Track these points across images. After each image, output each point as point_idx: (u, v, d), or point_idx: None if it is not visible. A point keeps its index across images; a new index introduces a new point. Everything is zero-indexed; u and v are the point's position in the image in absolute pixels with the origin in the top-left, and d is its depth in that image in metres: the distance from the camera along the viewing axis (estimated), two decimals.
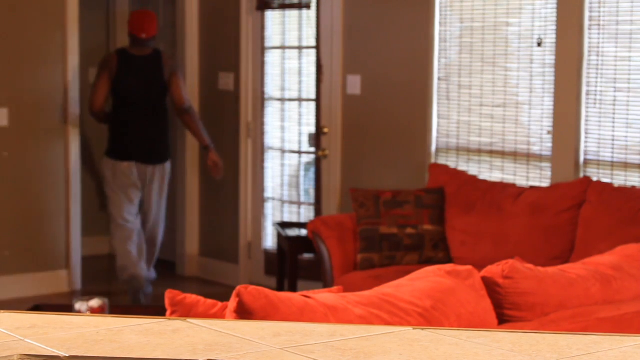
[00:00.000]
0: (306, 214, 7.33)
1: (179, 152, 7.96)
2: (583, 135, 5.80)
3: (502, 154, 6.19)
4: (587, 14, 5.72)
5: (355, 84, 6.89)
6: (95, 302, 5.56)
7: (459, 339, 1.83)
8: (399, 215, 5.87)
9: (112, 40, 8.53)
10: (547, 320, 3.50)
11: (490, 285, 3.43)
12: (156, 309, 5.86)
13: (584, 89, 5.77)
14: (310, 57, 7.23)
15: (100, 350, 1.73)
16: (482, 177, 6.18)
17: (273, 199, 7.54)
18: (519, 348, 1.78)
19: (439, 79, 6.47)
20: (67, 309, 5.59)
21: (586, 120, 5.78)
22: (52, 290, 7.32)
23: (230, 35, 7.59)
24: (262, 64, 7.50)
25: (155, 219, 7.45)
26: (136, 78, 7.11)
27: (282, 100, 7.47)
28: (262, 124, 7.53)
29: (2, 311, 1.96)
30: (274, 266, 7.00)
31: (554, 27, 5.86)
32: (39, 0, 7.18)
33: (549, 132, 5.94)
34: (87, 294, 6.61)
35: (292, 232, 6.59)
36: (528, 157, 6.06)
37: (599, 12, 5.68)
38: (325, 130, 7.06)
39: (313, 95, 7.20)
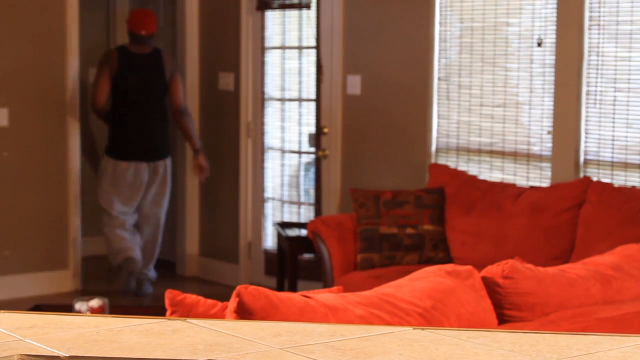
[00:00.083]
0: (306, 214, 7.34)
1: (178, 152, 7.96)
2: (583, 135, 5.80)
3: (502, 154, 6.19)
4: (587, 14, 5.72)
5: (355, 84, 6.89)
6: (95, 302, 5.57)
7: (459, 339, 1.83)
8: (399, 215, 5.87)
9: (112, 40, 8.53)
10: (547, 320, 3.50)
11: (490, 285, 3.43)
12: (156, 309, 5.86)
13: (584, 89, 5.77)
14: (310, 57, 7.23)
15: (100, 350, 1.73)
16: (482, 177, 6.18)
17: (273, 199, 7.54)
18: (519, 348, 1.78)
19: (439, 79, 6.47)
20: (67, 309, 5.59)
21: (586, 120, 5.78)
22: (52, 290, 7.32)
23: (230, 35, 7.59)
24: (262, 64, 7.50)
25: (156, 216, 7.47)
26: (137, 76, 7.19)
27: (282, 100, 7.47)
28: (262, 124, 7.53)
29: (2, 311, 1.96)
30: (274, 266, 7.00)
31: (554, 27, 5.86)
32: (39, 1, 7.18)
33: (549, 132, 5.94)
34: (87, 294, 6.61)
35: (292, 232, 6.59)
36: (528, 157, 6.06)
37: (599, 12, 5.68)
38: (325, 130, 7.06)
39: (313, 95, 7.20)
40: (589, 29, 5.73)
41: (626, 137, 5.62)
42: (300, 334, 1.84)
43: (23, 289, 7.19)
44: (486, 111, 6.26)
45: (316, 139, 7.16)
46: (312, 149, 7.25)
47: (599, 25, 5.69)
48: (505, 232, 5.69)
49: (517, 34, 6.07)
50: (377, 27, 6.76)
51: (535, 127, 6.02)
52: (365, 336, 1.84)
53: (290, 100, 7.43)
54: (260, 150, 7.55)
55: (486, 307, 3.35)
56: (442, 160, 6.47)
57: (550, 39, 5.89)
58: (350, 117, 6.96)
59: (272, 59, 7.50)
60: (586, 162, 5.80)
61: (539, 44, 5.95)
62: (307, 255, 6.82)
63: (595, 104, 5.74)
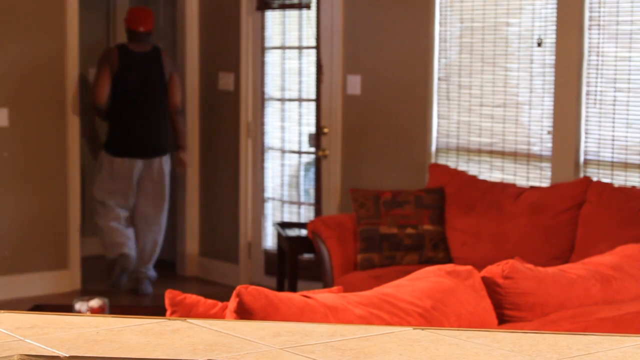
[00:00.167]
0: (306, 214, 7.34)
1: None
2: (583, 135, 5.80)
3: (502, 154, 6.19)
4: (587, 14, 5.72)
5: (355, 84, 6.89)
6: (95, 302, 5.57)
7: (459, 339, 1.83)
8: (399, 215, 5.86)
9: (112, 39, 8.53)
10: (547, 320, 3.50)
11: (490, 285, 3.43)
12: (156, 309, 5.86)
13: (584, 89, 5.77)
14: (310, 57, 7.23)
15: (100, 350, 1.73)
16: (482, 177, 6.18)
17: (273, 199, 7.54)
18: (519, 348, 1.78)
19: (439, 79, 6.47)
20: (67, 309, 5.59)
21: (586, 120, 5.78)
22: (52, 290, 7.32)
23: (230, 35, 7.59)
24: (262, 64, 7.50)
25: (154, 217, 7.48)
26: (137, 75, 7.25)
27: (282, 100, 7.47)
28: (262, 124, 7.53)
29: (2, 311, 1.96)
30: (274, 266, 7.00)
31: (554, 27, 5.86)
32: (39, 1, 7.18)
33: (549, 132, 5.94)
34: (87, 294, 6.61)
35: (292, 232, 6.59)
36: (528, 157, 6.06)
37: (599, 12, 5.68)
38: (325, 130, 7.06)
39: (313, 95, 7.20)
40: (589, 29, 5.73)
41: (626, 137, 5.62)
42: (300, 334, 1.84)
43: (23, 289, 7.19)
44: (486, 111, 6.26)
45: (316, 139, 7.16)
46: (312, 149, 7.25)
47: (599, 25, 5.69)
48: (505, 232, 5.69)
49: (517, 34, 6.07)
50: (377, 27, 6.76)
51: (535, 127, 6.02)
52: (365, 336, 1.84)
53: (290, 100, 7.43)
54: (260, 150, 7.55)
55: (486, 307, 3.35)
56: (442, 160, 6.47)
57: (550, 39, 5.89)
58: (350, 117, 6.96)
59: (272, 59, 7.50)
60: (586, 162, 5.80)
61: (539, 44, 5.95)
62: (307, 255, 6.82)
63: (595, 104, 5.74)
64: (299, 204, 7.42)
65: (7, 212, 7.16)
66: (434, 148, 6.52)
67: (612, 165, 5.68)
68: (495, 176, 6.20)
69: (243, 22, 7.48)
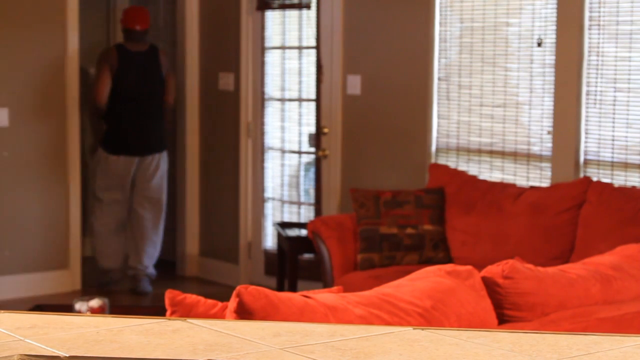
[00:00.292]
0: (306, 214, 7.33)
1: (179, 152, 7.97)
2: (583, 135, 5.80)
3: (502, 154, 6.19)
4: (587, 14, 5.72)
5: (355, 84, 6.89)
6: (95, 302, 5.57)
7: (459, 339, 1.83)
8: (399, 215, 5.86)
9: (112, 39, 8.52)
10: (547, 320, 3.50)
11: (490, 285, 3.43)
12: (156, 309, 5.86)
13: (584, 89, 5.77)
14: (310, 57, 7.23)
15: (100, 350, 1.73)
16: (482, 177, 6.18)
17: (273, 199, 7.54)
18: (519, 348, 1.78)
19: (439, 79, 6.47)
20: (67, 309, 5.59)
21: (586, 120, 5.78)
22: (52, 290, 7.32)
23: (230, 35, 7.59)
24: (262, 64, 7.50)
25: (153, 211, 7.52)
26: (136, 74, 7.33)
27: (282, 100, 7.47)
28: (262, 124, 7.54)
29: (2, 311, 1.96)
30: (274, 266, 7.00)
31: (554, 27, 5.86)
32: (39, 1, 7.18)
33: (549, 132, 5.94)
34: (87, 294, 6.62)
35: (292, 232, 6.59)
36: (528, 157, 6.06)
37: (599, 12, 5.68)
38: (325, 130, 7.06)
39: (313, 95, 7.20)
40: (589, 29, 5.73)
41: (626, 137, 5.62)
42: (300, 334, 1.84)
43: (23, 289, 7.19)
44: (486, 111, 6.26)
45: (316, 139, 7.16)
46: (312, 149, 7.25)
47: (599, 25, 5.69)
48: (505, 232, 5.69)
49: (517, 34, 6.07)
50: (377, 27, 6.76)
51: (535, 127, 6.02)
52: (365, 336, 1.84)
53: (290, 100, 7.43)
54: (260, 150, 7.55)
55: (486, 307, 3.35)
56: (442, 160, 6.47)
57: (550, 39, 5.89)
58: (350, 117, 6.95)
59: (272, 59, 7.50)
60: (586, 162, 5.80)
61: (539, 44, 5.95)
62: (307, 255, 6.82)
63: (595, 104, 5.74)
64: (299, 204, 7.42)
65: (7, 212, 7.16)
66: (434, 148, 6.52)
67: (612, 165, 5.68)
68: (495, 176, 6.20)
69: (243, 22, 7.48)
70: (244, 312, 2.80)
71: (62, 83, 7.29)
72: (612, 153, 5.68)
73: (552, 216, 5.55)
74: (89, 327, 1.87)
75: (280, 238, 6.61)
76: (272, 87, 7.51)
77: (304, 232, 6.53)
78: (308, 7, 7.18)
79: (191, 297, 3.06)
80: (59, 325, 1.87)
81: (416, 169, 6.56)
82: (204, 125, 7.86)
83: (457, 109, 6.39)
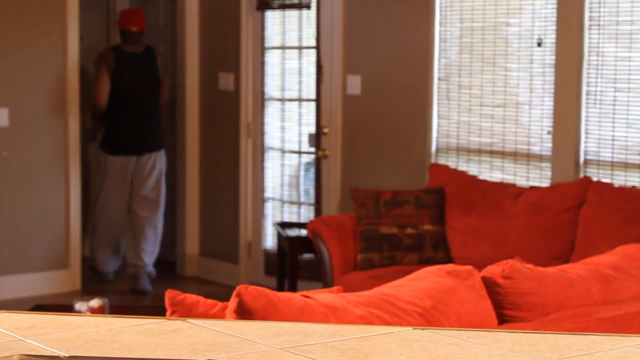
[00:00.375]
0: (306, 214, 7.33)
1: (179, 152, 7.97)
2: (583, 135, 5.79)
3: (502, 154, 6.19)
4: (587, 14, 5.72)
5: (355, 84, 6.89)
6: (95, 302, 5.57)
7: (459, 339, 1.83)
8: (399, 215, 5.86)
9: (112, 40, 8.53)
10: (547, 320, 3.50)
11: (490, 285, 3.43)
12: (156, 309, 5.87)
13: (584, 89, 5.77)
14: (310, 57, 7.23)
15: (100, 350, 1.73)
16: (482, 177, 6.18)
17: (273, 199, 7.54)
18: (519, 348, 1.78)
19: (439, 79, 6.47)
20: (67, 309, 5.59)
21: (586, 120, 5.78)
22: (52, 290, 7.32)
23: (230, 35, 7.59)
24: (262, 64, 7.50)
25: (152, 210, 7.55)
26: (133, 76, 7.42)
27: (282, 100, 7.47)
28: (262, 124, 7.54)
29: (2, 311, 1.96)
30: (274, 266, 7.00)
31: (554, 27, 5.86)
32: (39, 1, 7.18)
33: (549, 132, 5.94)
34: (87, 294, 6.62)
35: (292, 232, 6.59)
36: (528, 157, 6.06)
37: (599, 12, 5.68)
38: (325, 130, 7.06)
39: (313, 95, 7.20)
40: (589, 29, 5.73)
41: (626, 137, 5.62)
42: (300, 334, 1.84)
43: (23, 289, 7.19)
44: (486, 111, 6.26)
45: (316, 139, 7.16)
46: (312, 149, 7.25)
47: (599, 25, 5.69)
48: (505, 232, 5.69)
49: (517, 34, 6.07)
50: (377, 27, 6.76)
51: (535, 127, 6.02)
52: (365, 336, 1.84)
53: (290, 100, 7.43)
54: (260, 150, 7.55)
55: (486, 307, 3.35)
56: (442, 160, 6.47)
57: (550, 39, 5.89)
58: (350, 117, 6.95)
59: (272, 59, 7.50)
60: (586, 162, 5.80)
61: (539, 44, 5.94)
62: (307, 255, 6.82)
63: (595, 104, 5.74)
64: (299, 204, 7.42)
65: (8, 211, 7.16)
66: (434, 148, 6.52)
67: (612, 165, 5.68)
68: (495, 176, 6.20)
69: (243, 22, 7.48)
70: (244, 312, 2.80)
71: (62, 83, 7.29)
72: (612, 153, 5.68)
73: (552, 216, 5.55)
74: (89, 327, 1.87)
75: (280, 238, 6.61)
76: (272, 87, 7.52)
77: (304, 232, 6.53)
78: (308, 7, 7.18)
79: (191, 297, 3.06)
80: (59, 325, 1.87)
81: (416, 169, 6.56)
82: (204, 125, 7.86)
83: (457, 109, 6.39)
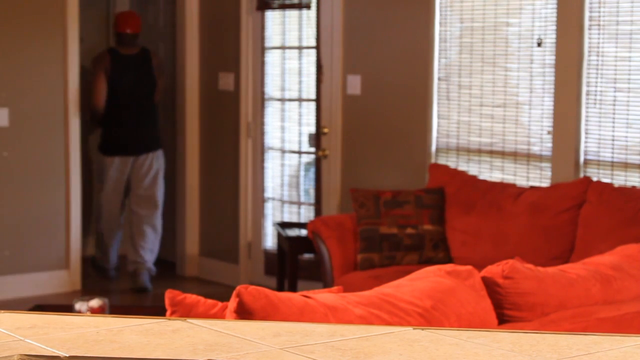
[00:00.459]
0: (306, 214, 7.33)
1: (179, 152, 7.97)
2: (583, 135, 5.79)
3: (502, 154, 6.19)
4: (587, 14, 5.72)
5: (355, 84, 6.89)
6: (95, 302, 5.57)
7: (459, 339, 1.83)
8: (399, 215, 5.86)
9: (112, 40, 8.53)
10: (547, 320, 3.50)
11: (490, 285, 3.43)
12: (156, 309, 5.87)
13: (584, 89, 5.77)
14: (310, 57, 7.23)
15: (100, 350, 1.73)
16: (482, 177, 6.18)
17: (273, 199, 7.54)
18: (519, 348, 1.78)
19: (439, 79, 6.47)
20: (67, 309, 5.59)
21: (586, 120, 5.78)
22: (52, 290, 7.32)
23: (230, 35, 7.59)
24: (262, 64, 7.50)
25: (150, 209, 7.57)
26: (130, 77, 7.50)
27: (282, 100, 7.47)
28: (262, 124, 7.53)
29: (2, 311, 1.96)
30: (274, 266, 7.00)
31: (554, 27, 5.86)
32: (39, 1, 7.18)
33: (549, 132, 5.94)
34: (87, 294, 6.62)
35: (292, 232, 6.59)
36: (528, 157, 6.06)
37: (599, 12, 5.68)
38: (325, 130, 7.06)
39: (313, 95, 7.20)
40: (589, 29, 5.73)
41: (626, 137, 5.62)
42: (300, 334, 1.84)
43: (23, 289, 7.19)
44: (486, 111, 6.26)
45: (316, 139, 7.16)
46: (312, 149, 7.25)
47: (599, 25, 5.69)
48: (505, 232, 5.69)
49: (517, 34, 6.07)
50: (377, 27, 6.76)
51: (535, 127, 6.02)
52: (365, 336, 1.84)
53: (290, 100, 7.43)
54: (260, 150, 7.55)
55: (486, 307, 3.35)
56: (442, 160, 6.47)
57: (550, 39, 5.89)
58: (350, 117, 6.95)
59: (272, 59, 7.50)
60: (586, 162, 5.80)
61: (539, 44, 5.94)
62: (307, 255, 6.82)
63: (595, 104, 5.74)
64: (299, 204, 7.42)
65: (8, 211, 7.16)
66: (434, 148, 6.52)
67: (612, 165, 5.68)
68: (495, 176, 6.20)
69: (243, 22, 7.48)
70: (244, 312, 2.80)
71: (62, 83, 7.29)
72: (612, 153, 5.68)
73: (552, 216, 5.55)
74: (89, 327, 1.87)
75: (280, 238, 6.61)
76: (272, 87, 7.52)
77: (304, 232, 6.53)
78: (308, 7, 7.18)
79: (191, 297, 3.06)
80: (59, 325, 1.87)
81: (416, 169, 6.56)
82: (204, 125, 7.86)
83: (457, 109, 6.39)
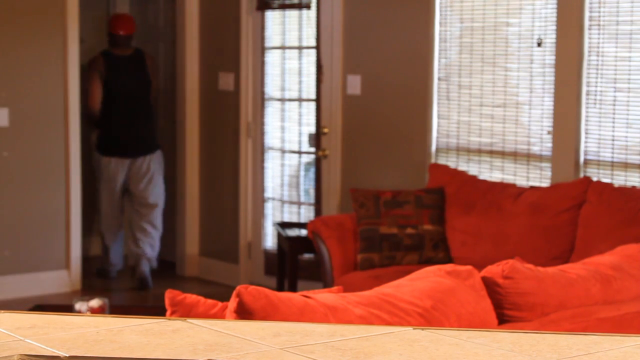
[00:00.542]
0: (306, 214, 7.33)
1: (179, 152, 7.97)
2: (583, 135, 5.79)
3: (502, 154, 6.19)
4: (587, 14, 5.72)
5: (355, 84, 6.89)
6: (95, 302, 5.56)
7: (459, 339, 1.83)
8: (399, 215, 5.86)
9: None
10: (547, 320, 3.50)
11: (490, 285, 3.43)
12: (156, 309, 5.87)
13: (584, 89, 5.77)
14: (310, 57, 7.23)
15: (100, 350, 1.73)
16: (482, 177, 6.18)
17: (273, 199, 7.54)
18: (519, 348, 1.78)
19: (439, 79, 6.47)
20: (67, 309, 5.59)
21: (586, 120, 5.78)
22: (52, 290, 7.32)
23: (230, 35, 7.59)
24: (262, 64, 7.50)
25: (148, 208, 7.59)
26: (124, 79, 7.55)
27: (282, 100, 7.47)
28: (262, 124, 7.53)
29: (2, 311, 1.96)
30: (274, 266, 7.00)
31: (554, 27, 5.86)
32: (39, 1, 7.18)
33: (549, 132, 5.94)
34: (87, 294, 6.62)
35: (292, 232, 6.59)
36: (528, 157, 6.06)
37: (599, 12, 5.68)
38: (325, 130, 7.06)
39: (313, 95, 7.20)
40: (589, 29, 5.73)
41: (626, 137, 5.62)
42: (300, 334, 1.84)
43: (23, 289, 7.19)
44: (486, 111, 6.26)
45: (316, 139, 7.16)
46: (312, 149, 7.25)
47: (599, 25, 5.69)
48: (505, 232, 5.69)
49: (517, 34, 6.07)
50: (377, 27, 6.76)
51: (535, 127, 6.02)
52: (365, 336, 1.84)
53: (290, 100, 7.43)
54: (260, 150, 7.55)
55: (486, 307, 3.35)
56: (442, 160, 6.47)
57: (550, 39, 5.89)
58: (350, 117, 6.95)
59: (272, 59, 7.50)
60: (586, 162, 5.80)
61: (539, 44, 5.94)
62: (307, 255, 6.82)
63: (595, 104, 5.74)
64: (299, 204, 7.42)
65: (8, 212, 7.16)
66: (434, 148, 6.52)
67: (612, 165, 5.68)
68: (495, 176, 6.20)
69: (243, 22, 7.48)
70: (244, 312, 2.80)
71: (62, 83, 7.29)
72: (612, 153, 5.68)
73: (552, 216, 5.55)
74: (89, 327, 1.87)
75: (280, 238, 6.61)
76: (272, 87, 7.52)
77: (304, 232, 6.53)
78: (308, 7, 7.18)
79: (191, 297, 3.06)
80: (59, 325, 1.87)
81: (416, 169, 6.56)
82: (204, 125, 7.86)
83: (457, 109, 6.39)
